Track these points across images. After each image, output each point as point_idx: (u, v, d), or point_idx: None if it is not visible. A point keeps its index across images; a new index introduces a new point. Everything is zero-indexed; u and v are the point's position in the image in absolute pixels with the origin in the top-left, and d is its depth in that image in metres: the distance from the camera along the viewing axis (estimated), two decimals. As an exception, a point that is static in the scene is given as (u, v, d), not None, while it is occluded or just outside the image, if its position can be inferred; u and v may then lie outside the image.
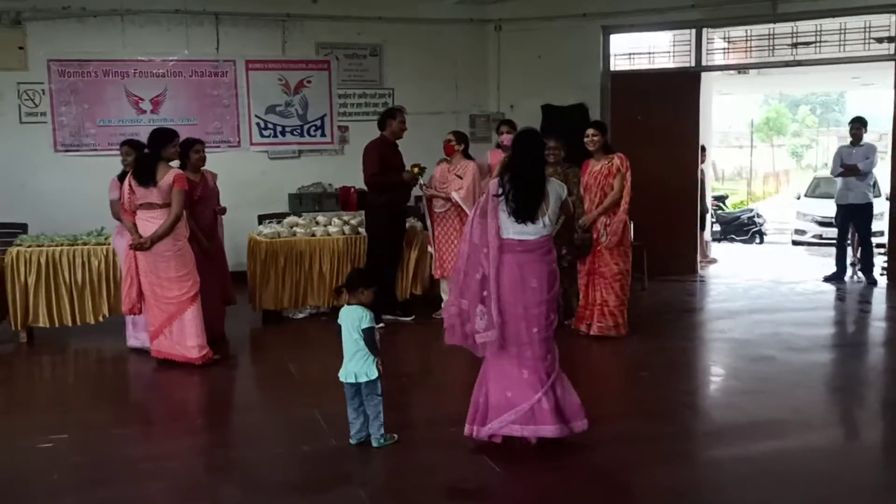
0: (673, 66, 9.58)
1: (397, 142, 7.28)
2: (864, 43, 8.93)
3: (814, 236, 14.76)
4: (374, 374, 4.34)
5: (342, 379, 4.39)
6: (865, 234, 8.85)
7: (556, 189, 4.34)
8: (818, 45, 9.07)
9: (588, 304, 6.76)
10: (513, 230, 4.27)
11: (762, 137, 41.70)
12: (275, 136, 9.69)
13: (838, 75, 16.54)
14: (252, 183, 9.28)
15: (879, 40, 8.90)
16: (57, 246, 6.93)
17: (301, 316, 7.63)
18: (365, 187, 7.48)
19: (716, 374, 6.16)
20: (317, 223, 7.76)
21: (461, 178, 7.24)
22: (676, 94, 9.36)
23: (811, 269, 10.15)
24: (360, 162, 9.08)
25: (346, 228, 7.62)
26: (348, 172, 9.21)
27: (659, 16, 9.45)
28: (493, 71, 10.24)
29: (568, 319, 6.98)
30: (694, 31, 9.47)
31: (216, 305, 6.76)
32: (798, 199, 16.49)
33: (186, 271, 6.10)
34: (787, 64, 9.39)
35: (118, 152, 6.68)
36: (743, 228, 16.77)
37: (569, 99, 9.76)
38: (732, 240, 16.24)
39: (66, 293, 6.88)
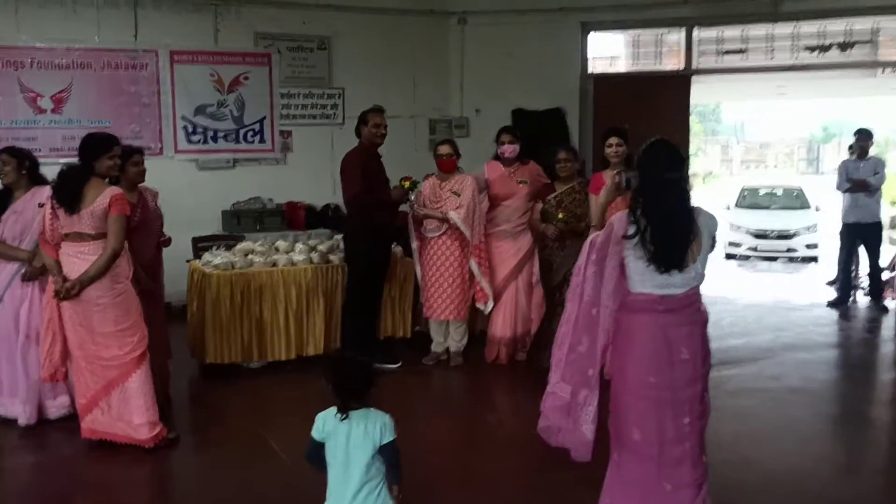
0: (661, 70, 8.83)
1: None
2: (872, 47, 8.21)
3: (749, 248, 14.29)
4: None
5: None
6: (875, 254, 8.09)
7: (707, 223, 3.10)
8: (820, 49, 8.33)
9: None
10: (651, 282, 3.05)
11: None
12: (205, 141, 8.27)
13: (764, 85, 16.29)
14: (177, 198, 7.52)
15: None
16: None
17: (256, 366, 6.12)
18: (344, 207, 6.16)
19: (833, 449, 4.93)
20: (276, 250, 6.32)
21: (458, 195, 6.03)
22: (665, 99, 8.56)
23: (791, 289, 9.65)
24: (305, 172, 8.27)
25: (315, 256, 6.24)
26: (292, 185, 8.36)
27: (645, 12, 8.61)
28: (457, 70, 9.25)
29: None
30: (684, 29, 8.57)
31: (162, 364, 5.18)
32: (728, 209, 16.01)
33: (130, 323, 4.51)
34: (790, 68, 8.72)
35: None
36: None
37: (543, 103, 8.90)
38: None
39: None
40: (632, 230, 3.03)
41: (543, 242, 5.95)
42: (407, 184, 5.90)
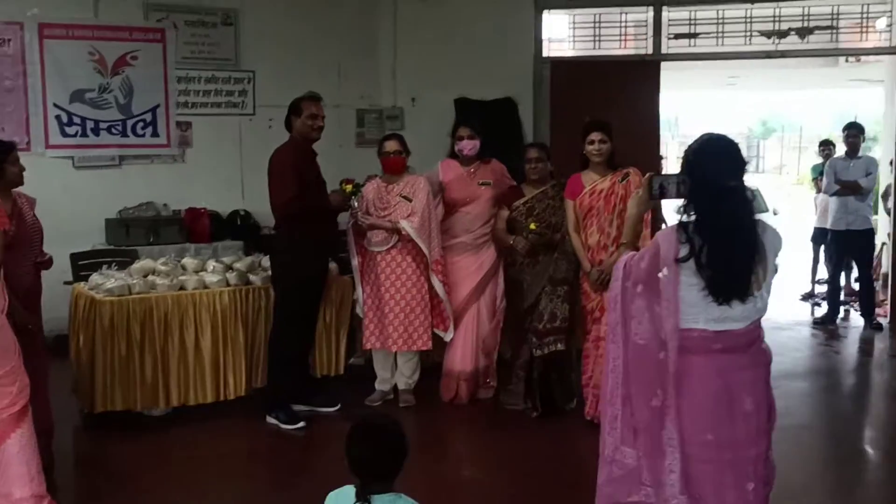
0: (627, 54, 8.77)
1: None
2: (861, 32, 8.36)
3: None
4: None
5: None
6: (868, 266, 8.14)
7: (773, 241, 2.87)
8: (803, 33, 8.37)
9: (595, 384, 5.36)
10: (706, 315, 2.80)
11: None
12: (84, 134, 7.85)
13: (715, 73, 16.60)
14: (50, 204, 6.99)
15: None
16: None
17: (161, 414, 5.70)
18: (273, 216, 5.72)
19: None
20: (184, 269, 5.90)
21: (409, 200, 5.76)
22: (631, 87, 8.50)
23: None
24: (208, 172, 8.05)
25: (232, 276, 5.85)
26: (193, 188, 8.08)
27: (608, -11, 8.58)
28: (388, 53, 9.06)
29: (569, 402, 5.72)
30: (652, 10, 8.57)
31: (44, 419, 4.64)
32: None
33: (6, 370, 3.97)
34: (767, 55, 8.71)
35: None
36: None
37: (491, 92, 8.73)
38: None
39: None
40: (684, 251, 2.75)
41: (511, 257, 5.73)
42: (349, 188, 5.56)
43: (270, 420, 5.51)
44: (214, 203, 8.08)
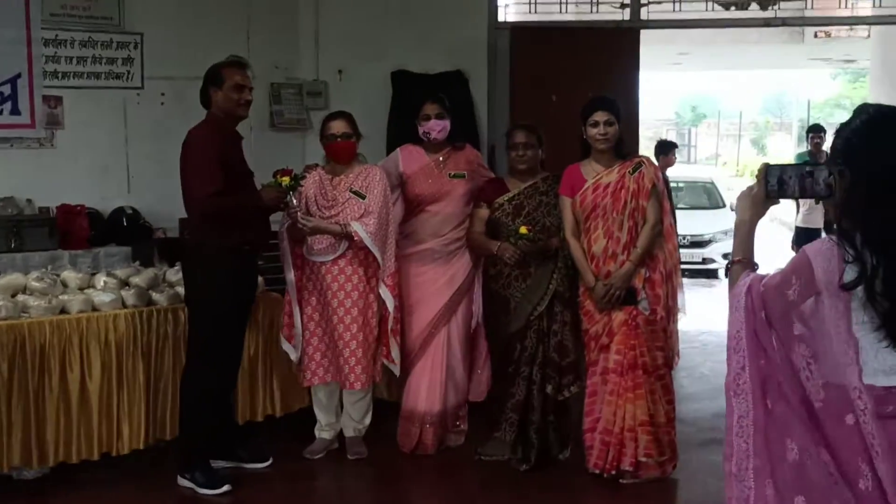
0: (599, 20, 8.65)
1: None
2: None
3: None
4: None
5: None
6: None
7: None
8: None
9: (605, 428, 5.08)
10: (874, 365, 2.35)
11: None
12: None
13: (663, 50, 16.83)
14: None
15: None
16: None
17: (35, 475, 5.20)
18: (186, 215, 5.26)
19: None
20: (65, 286, 5.42)
21: (362, 196, 5.34)
22: (605, 59, 8.35)
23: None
24: (84, 160, 7.62)
25: (130, 295, 5.37)
26: (65, 180, 7.47)
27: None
28: (310, 13, 8.62)
29: (564, 450, 5.39)
30: None
31: None
32: None
33: None
34: (766, 23, 8.74)
35: None
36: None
37: (437, 64, 8.38)
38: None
39: None
40: (851, 274, 2.30)
41: (496, 268, 5.32)
42: (286, 180, 5.07)
43: (183, 482, 5.02)
44: (93, 199, 7.49)
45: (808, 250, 2.41)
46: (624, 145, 5.17)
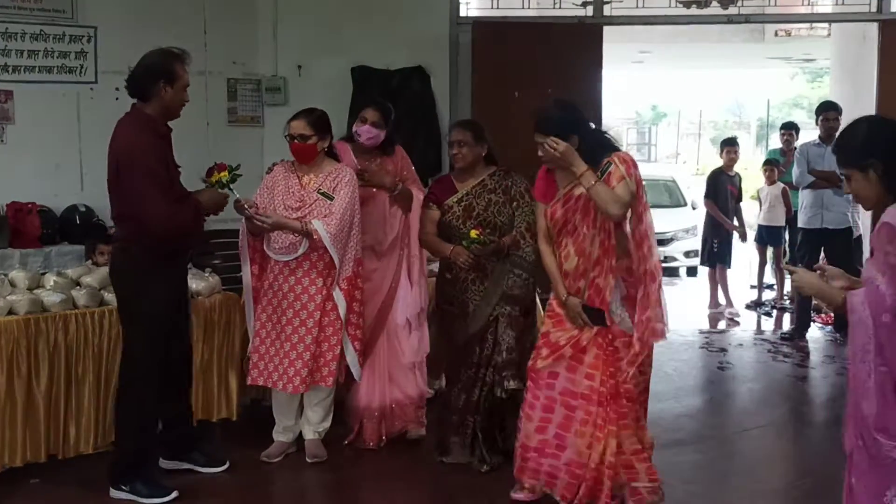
0: (562, 15, 8.70)
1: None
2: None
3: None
4: None
5: None
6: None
7: None
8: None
9: (576, 461, 4.68)
10: None
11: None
12: None
13: (628, 46, 16.89)
14: None
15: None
16: None
17: None
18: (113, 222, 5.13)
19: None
20: (12, 286, 5.31)
21: (330, 198, 5.21)
22: (568, 56, 8.42)
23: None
24: (35, 157, 7.58)
25: (81, 295, 5.27)
26: (15, 177, 7.50)
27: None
28: (269, 9, 8.64)
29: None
30: None
31: None
32: None
33: None
34: (729, 20, 8.79)
35: None
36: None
37: (397, 59, 8.51)
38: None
39: None
40: None
41: (452, 273, 5.20)
42: (224, 175, 4.91)
43: (118, 495, 4.79)
44: (45, 196, 7.44)
45: (887, 217, 2.93)
46: (596, 152, 4.67)
